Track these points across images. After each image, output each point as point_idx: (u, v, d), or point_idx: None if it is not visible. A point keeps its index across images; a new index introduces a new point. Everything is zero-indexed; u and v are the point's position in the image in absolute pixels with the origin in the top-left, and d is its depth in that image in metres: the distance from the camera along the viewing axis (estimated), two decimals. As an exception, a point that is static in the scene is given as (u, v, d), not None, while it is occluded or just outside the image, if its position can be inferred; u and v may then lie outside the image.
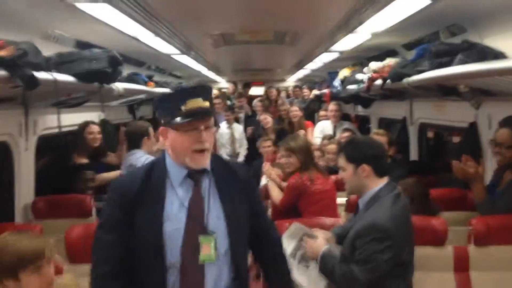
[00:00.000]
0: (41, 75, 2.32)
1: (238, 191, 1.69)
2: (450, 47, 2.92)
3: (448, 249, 2.53)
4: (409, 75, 3.19)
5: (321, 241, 2.18)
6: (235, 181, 1.70)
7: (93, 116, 4.38)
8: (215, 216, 1.61)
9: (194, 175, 1.63)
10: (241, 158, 6.57)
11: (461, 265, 2.51)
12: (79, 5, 2.59)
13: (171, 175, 1.62)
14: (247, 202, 1.71)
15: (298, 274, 2.16)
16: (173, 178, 1.61)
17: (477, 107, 3.06)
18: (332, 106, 5.97)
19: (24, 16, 2.73)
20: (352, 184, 2.15)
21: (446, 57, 2.85)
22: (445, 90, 3.08)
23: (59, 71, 2.63)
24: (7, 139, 3.12)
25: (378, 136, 3.60)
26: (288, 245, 2.25)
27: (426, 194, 2.94)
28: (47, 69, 2.50)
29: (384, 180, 2.08)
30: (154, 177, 1.61)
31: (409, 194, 2.77)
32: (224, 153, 6.50)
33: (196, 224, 1.57)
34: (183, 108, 1.55)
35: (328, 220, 2.77)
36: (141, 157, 3.34)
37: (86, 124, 3.91)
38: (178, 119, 1.55)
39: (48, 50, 2.98)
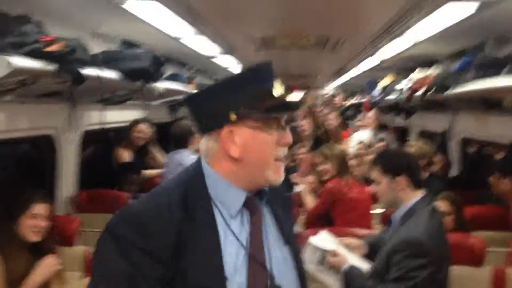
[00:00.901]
0: (87, 71, 2.41)
1: (290, 221, 1.26)
2: (496, 58, 2.82)
3: (486, 270, 2.43)
4: (453, 86, 3.09)
5: (342, 258, 2.09)
6: (284, 207, 1.24)
7: (136, 114, 4.50)
8: (281, 260, 1.13)
9: (251, 201, 1.12)
10: None
11: (499, 287, 2.40)
12: (126, 5, 2.68)
13: (223, 202, 1.08)
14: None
15: (329, 277, 2.11)
16: (228, 206, 1.08)
17: (524, 122, 2.93)
18: (370, 113, 5.89)
19: (74, 14, 2.85)
20: (387, 197, 2.07)
21: (492, 68, 2.75)
22: (489, 103, 2.96)
23: (106, 67, 2.72)
24: (52, 132, 3.25)
25: (413, 148, 3.50)
26: (315, 252, 2.19)
27: (461, 211, 2.83)
28: (93, 66, 2.59)
29: (420, 193, 2.02)
30: (194, 204, 1.05)
31: (446, 207, 2.71)
32: None
33: (260, 274, 1.07)
34: (275, 93, 1.10)
35: (361, 232, 2.71)
36: (189, 156, 3.39)
37: (135, 122, 4.07)
38: (269, 107, 1.07)
39: (95, 48, 3.09)
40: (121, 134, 4.10)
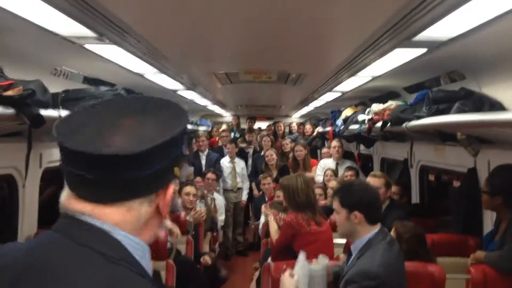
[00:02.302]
0: (47, 112, 2.39)
1: None
2: (447, 94, 2.97)
3: (446, 298, 2.51)
4: (408, 120, 3.24)
5: (293, 282, 2.15)
6: None
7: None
8: None
9: None
10: (244, 193, 6.57)
11: (459, 315, 2.48)
12: (88, 46, 2.70)
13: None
14: None
15: None
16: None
17: (475, 154, 3.09)
18: (334, 143, 6.05)
19: (34, 55, 2.84)
20: (344, 228, 2.17)
21: (443, 103, 2.91)
22: (443, 136, 3.11)
23: (66, 107, 2.70)
24: (12, 172, 3.17)
25: (375, 178, 3.62)
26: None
27: (423, 238, 2.93)
28: (54, 106, 2.57)
29: (376, 227, 2.09)
30: None
31: (405, 237, 2.79)
32: (224, 187, 6.51)
33: None
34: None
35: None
36: None
37: None
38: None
39: (56, 86, 3.07)
40: None
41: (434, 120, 2.79)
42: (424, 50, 2.61)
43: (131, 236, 0.84)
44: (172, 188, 0.93)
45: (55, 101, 2.62)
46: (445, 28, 2.19)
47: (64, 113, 2.65)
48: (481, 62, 2.85)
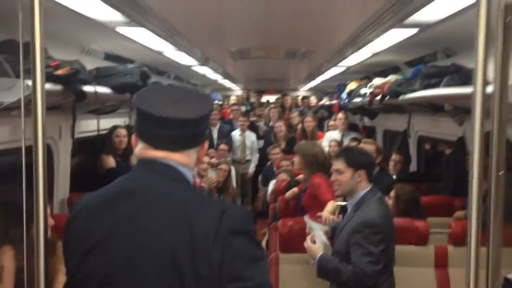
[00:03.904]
0: (86, 88, 2.77)
1: None
2: (439, 69, 3.29)
3: (430, 248, 2.91)
4: (404, 93, 3.56)
5: (318, 245, 2.47)
6: None
7: (120, 121, 4.82)
8: None
9: None
10: (252, 165, 6.95)
11: (441, 262, 2.88)
12: (117, 29, 3.04)
13: None
14: None
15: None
16: None
17: (461, 123, 3.42)
18: (340, 115, 6.35)
19: (68, 37, 3.19)
20: (346, 186, 2.47)
21: (435, 78, 3.23)
22: (434, 107, 3.45)
23: (98, 83, 3.07)
24: (49, 141, 3.56)
25: (367, 144, 3.97)
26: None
27: (417, 200, 3.31)
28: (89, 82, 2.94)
29: (369, 185, 2.46)
30: None
31: (403, 199, 3.18)
32: (233, 159, 6.86)
33: None
34: None
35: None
36: None
37: (114, 128, 4.32)
38: None
39: (85, 63, 3.43)
40: (104, 141, 4.32)
41: (424, 93, 3.12)
42: (415, 30, 2.91)
43: (187, 169, 1.32)
44: (207, 144, 1.38)
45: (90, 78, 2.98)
46: (433, 11, 2.50)
47: (98, 88, 3.02)
48: (471, 40, 3.13)
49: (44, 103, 1.69)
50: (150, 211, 1.21)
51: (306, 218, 2.72)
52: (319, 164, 3.62)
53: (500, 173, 1.55)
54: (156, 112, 1.23)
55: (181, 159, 1.29)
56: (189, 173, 1.31)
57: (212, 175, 5.24)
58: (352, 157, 2.50)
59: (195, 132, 1.29)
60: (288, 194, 4.02)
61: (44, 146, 1.69)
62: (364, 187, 2.45)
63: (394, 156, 4.46)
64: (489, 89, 1.61)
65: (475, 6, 1.54)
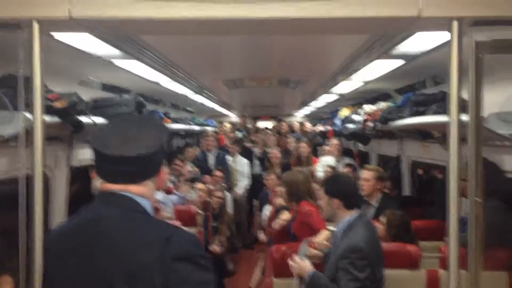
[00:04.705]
0: (84, 119, 2.84)
1: None
2: (427, 97, 3.38)
3: (422, 272, 2.94)
4: (394, 120, 3.65)
5: (307, 261, 2.59)
6: None
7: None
8: None
9: None
10: (239, 190, 7.01)
11: (433, 286, 2.90)
12: (114, 61, 3.15)
13: None
14: None
15: None
16: None
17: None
18: (334, 141, 6.45)
19: (66, 70, 3.29)
20: (326, 211, 2.66)
21: (423, 106, 3.32)
22: (423, 134, 3.53)
23: (95, 114, 3.14)
24: (45, 170, 3.61)
25: (367, 170, 4.03)
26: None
27: (408, 225, 3.35)
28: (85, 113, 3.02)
29: (355, 212, 2.53)
30: None
31: (394, 224, 3.24)
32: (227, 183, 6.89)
33: None
34: None
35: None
36: None
37: None
38: None
39: (82, 94, 3.53)
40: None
41: (413, 120, 3.21)
42: (402, 61, 3.04)
43: (144, 198, 1.39)
44: (164, 171, 1.48)
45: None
46: (416, 44, 2.62)
47: (95, 119, 3.10)
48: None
49: (43, 135, 1.77)
50: (98, 241, 1.31)
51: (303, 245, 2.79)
52: (303, 191, 3.66)
53: (477, 199, 1.62)
54: (107, 151, 1.32)
55: (138, 190, 1.37)
56: (145, 202, 1.39)
57: (193, 195, 5.21)
58: (328, 185, 2.65)
59: (149, 166, 1.38)
60: (275, 225, 4.00)
61: (42, 176, 1.76)
62: (346, 214, 2.52)
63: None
64: (465, 117, 1.71)
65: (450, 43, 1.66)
